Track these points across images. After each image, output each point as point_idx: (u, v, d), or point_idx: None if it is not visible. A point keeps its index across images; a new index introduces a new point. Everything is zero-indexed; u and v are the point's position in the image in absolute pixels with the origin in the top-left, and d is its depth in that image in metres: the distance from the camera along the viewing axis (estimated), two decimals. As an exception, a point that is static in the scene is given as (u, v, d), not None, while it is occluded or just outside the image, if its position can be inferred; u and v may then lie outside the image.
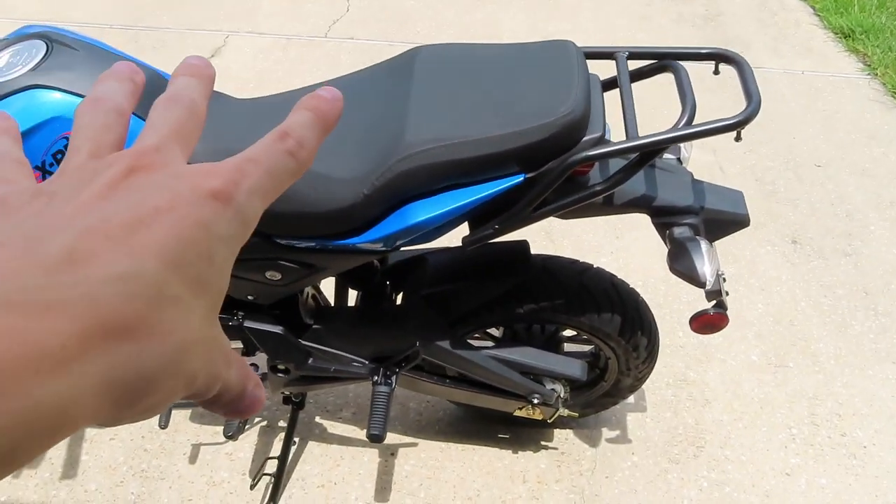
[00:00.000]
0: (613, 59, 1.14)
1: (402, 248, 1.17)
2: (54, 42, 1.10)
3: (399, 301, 1.46)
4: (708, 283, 1.05)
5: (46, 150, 1.04)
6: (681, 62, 1.11)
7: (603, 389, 1.58)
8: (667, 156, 1.21)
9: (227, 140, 1.11)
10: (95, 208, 0.23)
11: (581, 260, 1.41)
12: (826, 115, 2.96)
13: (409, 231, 1.05)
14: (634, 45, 1.16)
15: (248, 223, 0.26)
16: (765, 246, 2.31)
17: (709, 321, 1.16)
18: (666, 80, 1.17)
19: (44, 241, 0.22)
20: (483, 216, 1.10)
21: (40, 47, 1.09)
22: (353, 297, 1.52)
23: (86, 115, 0.29)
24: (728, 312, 1.17)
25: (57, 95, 1.03)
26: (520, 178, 1.03)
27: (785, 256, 2.27)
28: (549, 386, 1.47)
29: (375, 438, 1.32)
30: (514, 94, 1.04)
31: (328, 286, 1.51)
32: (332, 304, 1.51)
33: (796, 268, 2.24)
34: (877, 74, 3.23)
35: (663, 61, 1.13)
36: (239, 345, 1.40)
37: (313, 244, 1.13)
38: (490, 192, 1.03)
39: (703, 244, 1.08)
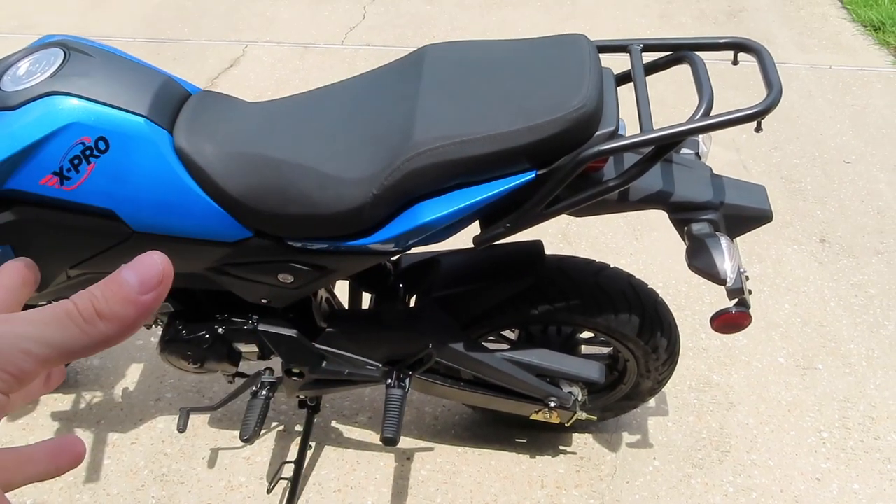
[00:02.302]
0: (627, 52, 1.12)
1: (414, 249, 1.16)
2: (71, 50, 1.11)
3: (412, 304, 1.45)
4: (728, 280, 1.02)
5: (63, 156, 1.04)
6: (697, 53, 1.08)
7: (622, 392, 1.54)
8: (685, 151, 1.18)
9: (238, 143, 1.11)
10: None
11: (598, 260, 1.39)
12: (855, 110, 2.89)
13: (419, 231, 1.03)
14: (649, 38, 1.13)
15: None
16: (791, 245, 2.25)
17: (730, 320, 1.13)
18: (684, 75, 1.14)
19: None
20: (494, 214, 1.08)
21: (58, 55, 1.09)
22: (366, 300, 1.51)
23: None
24: (751, 311, 1.13)
25: (74, 102, 1.03)
26: (531, 175, 1.01)
27: (813, 255, 2.21)
28: (566, 389, 1.45)
29: (389, 441, 1.31)
30: (524, 89, 1.02)
31: (342, 289, 1.50)
32: (346, 308, 1.49)
33: (825, 267, 2.17)
34: (908, 67, 3.15)
35: (679, 52, 1.10)
36: (253, 349, 1.40)
37: (325, 246, 1.12)
38: (501, 189, 1.00)
39: (724, 240, 1.04)
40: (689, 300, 2.05)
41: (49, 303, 1.43)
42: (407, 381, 1.34)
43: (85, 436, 1.71)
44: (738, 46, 1.08)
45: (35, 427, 1.74)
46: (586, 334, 1.52)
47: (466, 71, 1.09)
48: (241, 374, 1.52)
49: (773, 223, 2.25)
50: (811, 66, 3.18)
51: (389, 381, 1.34)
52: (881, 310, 2.02)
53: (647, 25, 3.59)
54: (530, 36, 3.68)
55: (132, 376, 1.86)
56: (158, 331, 1.96)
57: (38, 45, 1.16)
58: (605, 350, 1.57)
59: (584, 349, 1.55)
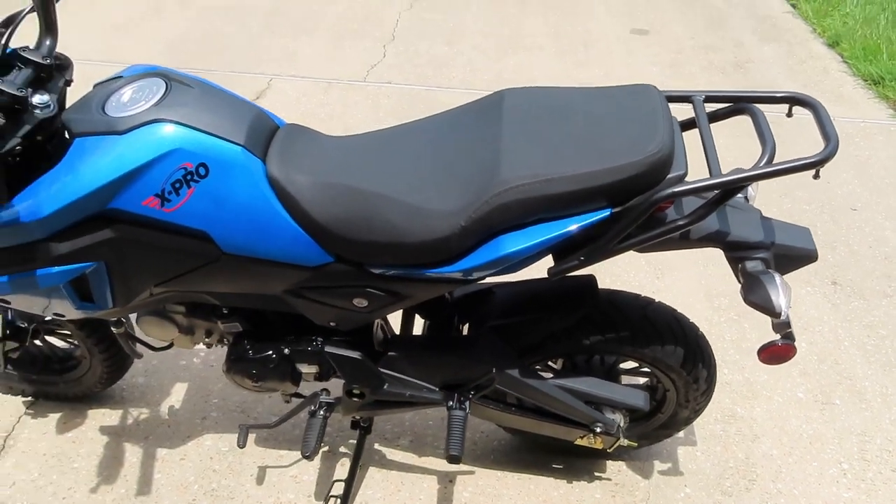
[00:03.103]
0: (690, 102, 1.23)
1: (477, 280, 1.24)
2: (172, 81, 1.20)
3: (465, 332, 1.52)
4: (784, 313, 1.11)
5: (166, 179, 1.13)
6: (756, 105, 1.19)
7: (659, 421, 1.62)
8: (737, 196, 1.28)
9: (326, 174, 1.19)
10: None
11: (643, 295, 1.48)
12: (859, 160, 3.04)
13: (500, 261, 1.12)
14: (711, 90, 1.24)
15: None
16: (805, 287, 2.36)
17: (777, 352, 1.21)
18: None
19: None
20: (567, 248, 1.17)
21: (160, 85, 1.19)
22: (416, 327, 1.59)
23: None
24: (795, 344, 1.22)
25: (179, 129, 1.12)
26: (606, 213, 1.10)
27: (826, 297, 2.32)
28: (610, 415, 1.52)
29: (454, 459, 1.37)
30: (602, 134, 1.12)
31: (394, 315, 1.58)
32: (398, 333, 1.57)
33: (837, 308, 2.28)
34: (906, 122, 3.32)
35: (739, 104, 1.21)
36: (314, 369, 1.47)
37: (404, 273, 1.21)
38: (578, 225, 1.10)
39: (777, 277, 1.14)
40: (710, 337, 2.14)
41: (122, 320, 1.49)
42: (467, 403, 1.42)
43: (133, 450, 1.76)
44: (794, 100, 1.20)
45: (84, 441, 1.79)
46: (627, 364, 1.60)
47: (545, 115, 1.19)
48: (298, 395, 1.59)
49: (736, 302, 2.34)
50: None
51: (451, 403, 1.42)
52: (892, 350, 2.13)
53: (658, 74, 3.75)
54: (546, 79, 3.79)
55: (177, 395, 1.92)
56: (201, 352, 2.03)
57: (137, 73, 1.25)
58: (643, 380, 1.65)
59: (624, 379, 1.62)
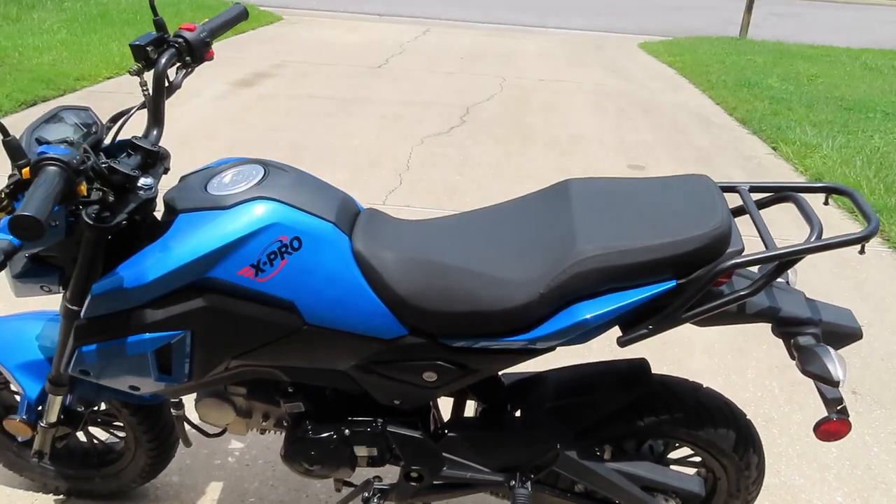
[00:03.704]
0: (736, 191, 1.36)
1: (515, 372, 1.30)
2: (269, 166, 1.33)
3: (518, 416, 1.55)
4: (842, 382, 1.18)
5: (263, 251, 1.22)
6: (798, 194, 1.33)
7: (710, 513, 1.62)
8: (779, 280, 1.39)
9: (407, 250, 1.29)
10: None
11: (691, 380, 1.54)
12: (858, 281, 3.20)
13: (575, 328, 1.20)
14: (754, 181, 1.39)
15: None
16: (797, 412, 2.41)
17: (833, 428, 1.27)
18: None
19: None
20: (631, 320, 1.25)
21: (259, 170, 1.31)
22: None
23: None
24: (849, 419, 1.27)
25: (277, 206, 1.23)
26: (672, 284, 1.20)
27: (849, 406, 2.37)
28: (664, 503, 1.52)
29: None
30: (667, 213, 1.24)
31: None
32: (451, 418, 1.59)
33: (861, 416, 2.33)
34: (896, 248, 3.53)
35: (781, 192, 1.35)
36: (373, 452, 1.47)
37: (479, 343, 1.27)
38: (647, 294, 1.19)
39: (831, 349, 1.22)
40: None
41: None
42: (528, 483, 1.42)
43: (168, 551, 1.70)
44: (831, 189, 1.34)
45: (116, 541, 1.73)
46: (675, 455, 1.62)
47: (610, 198, 1.32)
48: (349, 484, 1.58)
49: (762, 406, 2.41)
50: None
51: (513, 482, 1.42)
52: (921, 457, 2.15)
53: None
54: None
55: (213, 494, 1.88)
56: (236, 451, 2.01)
57: (234, 162, 1.37)
58: (693, 471, 1.66)
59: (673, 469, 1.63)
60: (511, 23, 9.64)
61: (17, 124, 4.52)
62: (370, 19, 9.25)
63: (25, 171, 1.08)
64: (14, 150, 1.10)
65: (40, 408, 1.56)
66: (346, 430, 1.45)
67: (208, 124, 4.73)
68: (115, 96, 5.20)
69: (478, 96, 5.80)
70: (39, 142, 1.18)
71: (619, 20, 10.44)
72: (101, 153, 1.25)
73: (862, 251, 1.22)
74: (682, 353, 2.59)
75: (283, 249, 1.23)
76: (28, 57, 5.98)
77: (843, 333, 1.31)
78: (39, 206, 0.96)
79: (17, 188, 1.11)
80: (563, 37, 8.95)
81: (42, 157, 1.05)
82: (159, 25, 1.38)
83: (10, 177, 1.14)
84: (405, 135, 4.76)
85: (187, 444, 1.63)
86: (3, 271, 1.31)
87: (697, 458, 1.58)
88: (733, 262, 1.17)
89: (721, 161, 4.74)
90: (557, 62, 7.28)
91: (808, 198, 1.37)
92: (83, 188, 1.12)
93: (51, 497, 1.84)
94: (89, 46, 6.37)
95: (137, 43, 1.33)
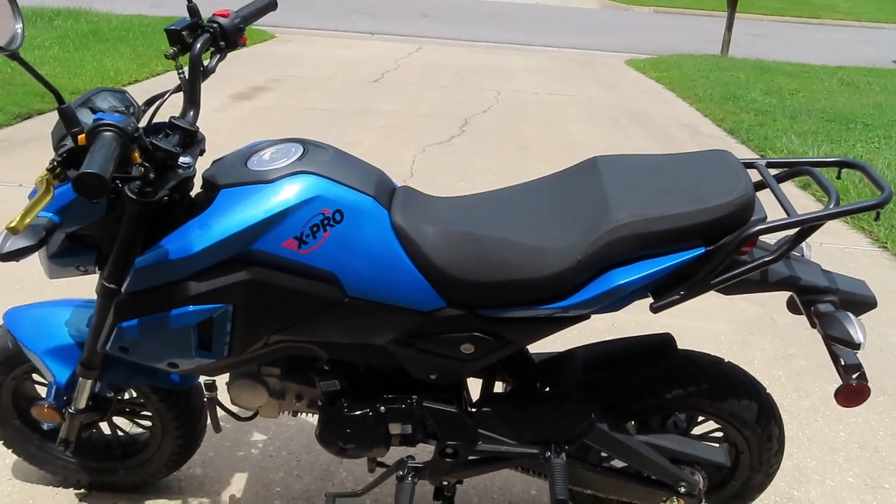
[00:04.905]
0: (754, 167, 1.43)
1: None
2: (308, 144, 1.37)
3: (548, 392, 1.59)
4: (863, 343, 1.23)
5: (306, 223, 1.26)
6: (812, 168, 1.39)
7: (733, 489, 1.66)
8: (794, 253, 1.45)
9: (444, 223, 1.33)
10: None
11: (712, 354, 1.58)
12: (853, 277, 3.28)
13: (611, 293, 1.24)
14: (770, 157, 1.45)
15: None
16: (831, 383, 2.47)
17: (854, 391, 1.31)
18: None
19: None
20: (662, 288, 1.30)
21: (298, 147, 1.36)
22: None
23: None
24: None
25: (319, 179, 1.28)
26: (701, 251, 1.25)
27: (853, 392, 2.42)
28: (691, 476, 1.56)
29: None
30: (693, 182, 1.30)
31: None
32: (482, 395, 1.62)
33: (867, 403, 2.38)
34: (887, 247, 3.62)
35: (796, 167, 1.42)
36: (407, 430, 1.50)
37: (517, 313, 1.31)
38: (678, 260, 1.24)
39: (850, 314, 1.27)
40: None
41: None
42: (563, 454, 1.46)
43: (196, 538, 1.71)
44: (843, 163, 1.40)
45: (144, 530, 1.73)
46: (698, 430, 1.67)
47: (638, 171, 1.38)
48: (381, 464, 1.60)
49: (811, 361, 2.49)
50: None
51: (548, 453, 1.46)
52: (926, 439, 2.21)
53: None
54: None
55: (237, 485, 1.89)
56: (259, 442, 2.02)
57: (272, 141, 1.41)
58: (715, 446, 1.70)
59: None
60: (500, 41, 9.79)
61: (13, 136, 4.53)
62: (362, 37, 9.35)
63: (81, 137, 1.11)
64: (69, 117, 1.13)
65: (68, 395, 1.57)
66: (382, 408, 1.48)
67: (209, 136, 4.74)
68: (113, 110, 5.21)
69: (475, 108, 5.88)
70: (93, 110, 1.21)
71: (605, 38, 10.64)
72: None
73: (877, 218, 1.29)
74: (692, 344, 2.63)
75: (326, 222, 1.27)
76: (21, 72, 5.93)
77: (860, 301, 1.37)
78: (103, 164, 0.99)
79: (71, 155, 1.14)
80: (553, 54, 9.10)
81: (99, 123, 1.08)
82: (193, 11, 1.42)
83: (59, 146, 1.17)
84: (407, 143, 4.82)
85: (217, 429, 1.65)
86: (38, 251, 1.34)
87: (720, 434, 1.62)
88: (759, 228, 1.22)
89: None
90: (549, 77, 7.40)
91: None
92: (136, 156, 1.16)
93: (72, 491, 1.84)
94: (83, 62, 6.39)
95: (173, 28, 1.37)
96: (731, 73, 8.08)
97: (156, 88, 6.00)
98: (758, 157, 1.47)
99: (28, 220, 1.07)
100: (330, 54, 7.81)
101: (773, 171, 1.43)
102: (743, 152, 5.27)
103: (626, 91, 7.04)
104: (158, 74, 6.32)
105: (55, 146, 1.26)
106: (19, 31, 1.11)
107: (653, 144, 5.27)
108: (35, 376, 1.74)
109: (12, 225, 1.06)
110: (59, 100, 1.13)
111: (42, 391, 1.76)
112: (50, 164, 1.13)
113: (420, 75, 7.01)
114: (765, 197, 1.35)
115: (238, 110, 5.34)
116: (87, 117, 1.28)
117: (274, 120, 5.16)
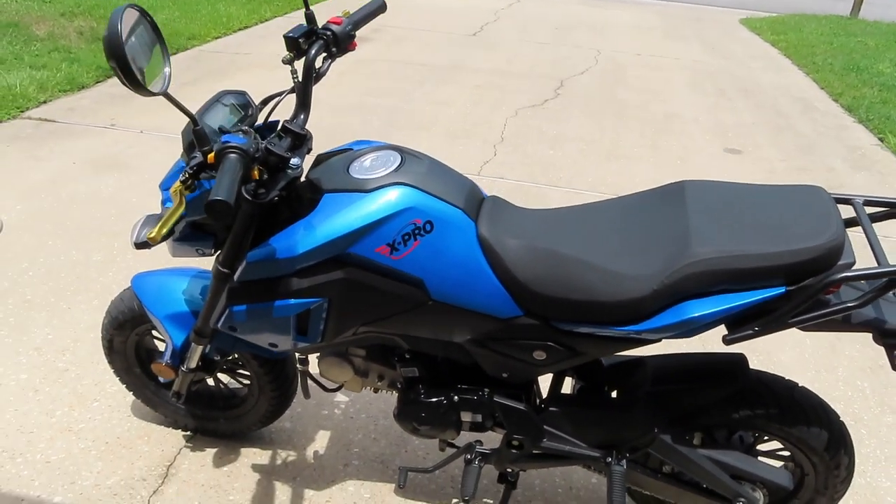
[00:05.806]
0: (850, 204, 1.39)
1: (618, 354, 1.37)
2: (405, 154, 1.44)
3: (614, 397, 1.65)
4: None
5: (398, 232, 1.34)
6: None
7: (794, 508, 1.68)
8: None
9: (528, 238, 1.39)
10: None
11: (787, 378, 1.59)
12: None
13: (683, 324, 1.27)
14: (868, 194, 1.41)
15: None
16: (888, 415, 2.39)
17: None
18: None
19: None
20: (739, 320, 1.32)
21: (396, 156, 1.43)
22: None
23: None
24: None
25: (413, 191, 1.35)
26: (781, 290, 1.25)
27: (892, 429, 2.34)
28: (751, 492, 1.59)
29: None
30: (781, 221, 1.29)
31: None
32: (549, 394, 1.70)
33: (952, 425, 2.30)
34: None
35: (894, 209, 1.37)
36: (477, 419, 1.60)
37: (589, 330, 1.37)
38: (756, 298, 1.25)
39: None
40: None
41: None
42: (624, 461, 1.53)
43: (283, 489, 1.90)
44: None
45: (238, 476, 1.94)
46: (764, 448, 1.68)
47: (726, 202, 1.37)
48: (452, 445, 1.72)
49: (851, 405, 2.39)
50: None
51: (609, 459, 1.53)
52: None
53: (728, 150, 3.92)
54: (644, 183, 4.00)
55: (321, 441, 2.07)
56: (342, 404, 2.19)
57: (366, 147, 1.50)
58: (780, 464, 1.72)
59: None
60: (606, -9, 9.41)
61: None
62: (464, -16, 9.22)
63: (210, 156, 1.23)
64: (202, 138, 1.25)
65: (182, 356, 1.76)
66: (455, 397, 1.58)
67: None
68: (223, 56, 5.45)
69: (572, 69, 5.76)
70: (222, 131, 1.34)
71: (720, -9, 10.02)
72: (257, 134, 1.40)
73: None
74: (773, 345, 2.61)
75: (417, 231, 1.35)
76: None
77: (946, 349, 1.33)
78: (228, 191, 1.11)
79: (200, 168, 1.27)
80: (660, 8, 8.68)
81: (226, 146, 1.20)
82: (310, 19, 1.50)
83: (190, 158, 1.30)
84: (499, 105, 4.81)
85: (307, 396, 1.81)
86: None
87: (786, 452, 1.64)
88: (843, 275, 1.21)
89: (823, 150, 4.59)
90: (654, 36, 7.10)
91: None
92: (256, 173, 1.27)
93: (180, 433, 2.07)
94: (198, 6, 6.66)
95: (291, 35, 1.45)
96: (858, 38, 7.48)
97: (265, 34, 6.22)
98: (857, 194, 1.43)
99: (165, 229, 1.23)
100: (432, 3, 7.77)
101: (869, 210, 1.39)
102: (859, 133, 4.94)
103: (736, 55, 6.67)
104: (267, 20, 6.51)
105: (185, 147, 1.40)
106: (167, 74, 1.25)
107: (758, 119, 5.02)
108: (154, 332, 1.95)
109: (152, 235, 1.22)
110: (195, 122, 1.25)
111: (157, 345, 1.98)
112: (182, 175, 1.26)
113: (519, 29, 6.89)
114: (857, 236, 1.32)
115: (337, 62, 5.45)
116: (217, 114, 1.41)
117: (369, 76, 5.25)
